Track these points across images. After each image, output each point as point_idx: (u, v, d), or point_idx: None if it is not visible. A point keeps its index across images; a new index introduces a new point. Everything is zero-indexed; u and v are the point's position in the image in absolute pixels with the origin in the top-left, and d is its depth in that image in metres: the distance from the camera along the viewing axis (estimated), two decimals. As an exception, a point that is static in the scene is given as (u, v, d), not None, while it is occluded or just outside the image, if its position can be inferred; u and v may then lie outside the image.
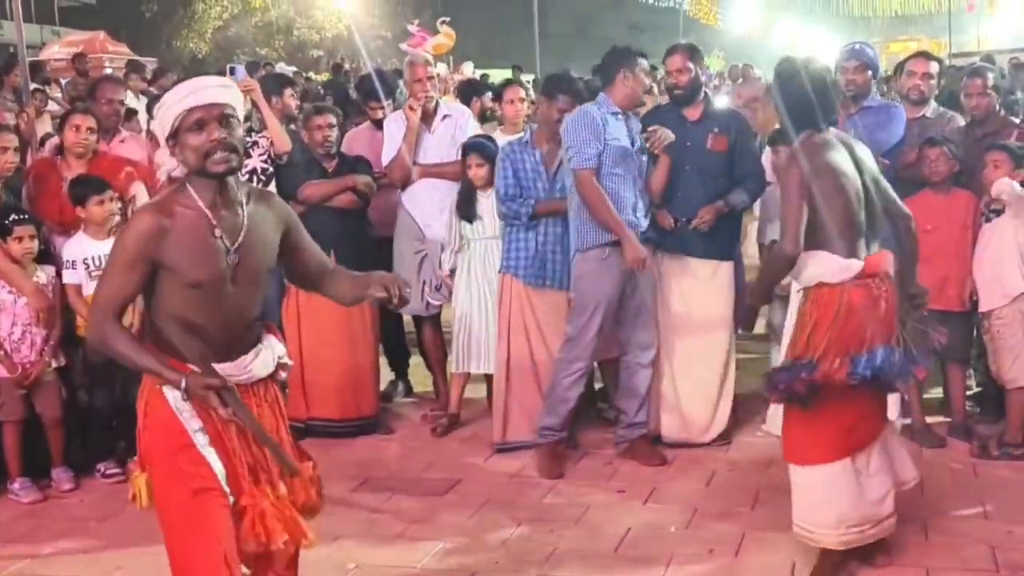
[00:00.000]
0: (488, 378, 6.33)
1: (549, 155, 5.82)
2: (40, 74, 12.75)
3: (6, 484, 5.49)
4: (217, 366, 3.17)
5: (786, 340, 4.43)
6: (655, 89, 6.66)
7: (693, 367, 5.80)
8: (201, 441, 3.16)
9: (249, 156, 6.38)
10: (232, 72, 6.81)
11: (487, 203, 6.09)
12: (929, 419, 5.87)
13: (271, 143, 6.36)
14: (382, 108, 6.86)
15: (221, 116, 3.11)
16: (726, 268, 5.84)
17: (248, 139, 6.51)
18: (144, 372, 3.19)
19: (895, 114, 5.83)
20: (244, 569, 3.28)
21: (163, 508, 3.18)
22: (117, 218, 5.61)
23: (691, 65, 5.78)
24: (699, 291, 5.77)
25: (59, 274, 5.64)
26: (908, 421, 5.77)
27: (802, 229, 4.12)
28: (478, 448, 5.99)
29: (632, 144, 5.53)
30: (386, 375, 6.85)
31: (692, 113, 5.80)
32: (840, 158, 4.26)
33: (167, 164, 6.05)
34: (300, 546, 3.34)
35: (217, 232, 3.14)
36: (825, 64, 4.68)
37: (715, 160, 5.72)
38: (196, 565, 3.11)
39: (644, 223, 5.54)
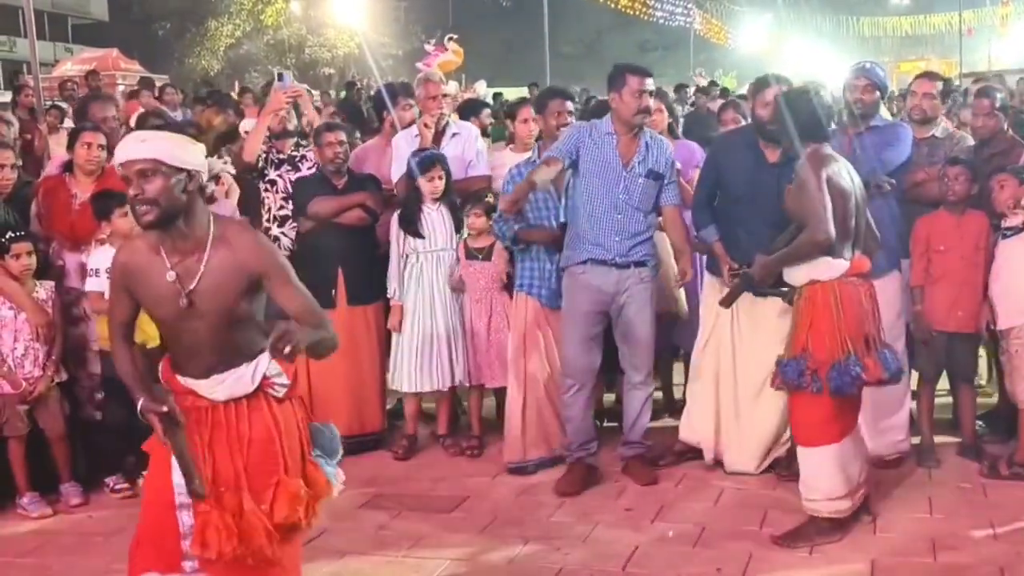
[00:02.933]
0: (497, 395, 6.34)
1: (558, 177, 5.73)
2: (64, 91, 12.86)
3: (14, 499, 5.50)
4: (190, 381, 3.43)
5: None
6: (663, 107, 6.56)
7: (760, 399, 5.57)
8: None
9: (298, 169, 6.46)
10: (280, 78, 6.91)
11: (437, 215, 6.11)
12: (938, 439, 5.85)
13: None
14: (410, 106, 6.87)
15: (138, 172, 3.25)
16: (886, 283, 5.51)
17: (296, 153, 6.56)
18: (126, 384, 3.51)
19: (902, 134, 5.78)
20: (192, 564, 3.41)
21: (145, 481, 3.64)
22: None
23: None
24: (770, 326, 5.43)
25: (61, 289, 5.67)
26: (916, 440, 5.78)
27: (831, 216, 4.57)
28: (486, 465, 5.99)
29: (627, 167, 5.44)
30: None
31: (772, 154, 5.43)
32: (842, 169, 4.78)
33: None
34: (269, 558, 3.41)
35: (170, 276, 3.34)
36: (827, 90, 5.12)
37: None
38: (139, 532, 3.53)
39: (616, 246, 5.43)
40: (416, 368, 6.12)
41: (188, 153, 3.35)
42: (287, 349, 3.12)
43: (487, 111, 9.33)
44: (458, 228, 6.20)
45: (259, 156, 6.49)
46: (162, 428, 3.35)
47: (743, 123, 6.66)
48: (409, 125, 6.69)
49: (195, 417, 3.44)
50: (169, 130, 4.80)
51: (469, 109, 8.55)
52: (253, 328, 3.46)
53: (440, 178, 6.08)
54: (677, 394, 6.74)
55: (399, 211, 6.16)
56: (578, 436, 5.64)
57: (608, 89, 5.54)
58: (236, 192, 6.80)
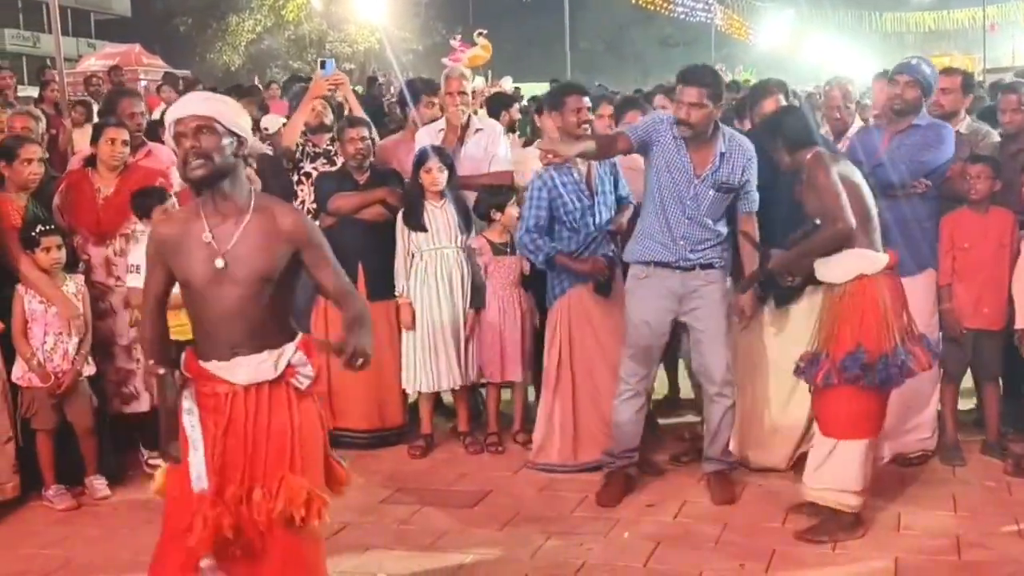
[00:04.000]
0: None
1: (588, 172, 5.66)
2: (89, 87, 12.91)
3: (40, 491, 5.54)
4: (213, 364, 3.45)
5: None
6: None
7: (792, 397, 5.54)
8: (194, 437, 3.44)
9: (333, 163, 6.50)
10: (323, 66, 6.96)
11: (439, 212, 6.07)
12: (962, 437, 5.82)
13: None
14: (433, 104, 6.85)
15: (196, 128, 3.36)
16: (919, 283, 5.52)
17: (331, 148, 6.60)
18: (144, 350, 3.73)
19: (945, 135, 5.62)
20: (208, 561, 3.39)
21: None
22: None
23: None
24: (798, 327, 5.41)
25: (89, 282, 5.71)
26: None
27: (849, 208, 4.67)
28: (507, 460, 6.00)
29: (698, 175, 5.16)
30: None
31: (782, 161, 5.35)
32: (847, 167, 4.90)
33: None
34: (258, 551, 3.45)
35: (206, 237, 3.40)
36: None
37: (803, 210, 5.36)
38: (161, 536, 3.56)
39: (682, 250, 5.19)
40: (427, 367, 6.11)
41: (241, 119, 3.50)
42: (360, 363, 3.36)
43: (516, 106, 9.35)
44: (467, 227, 6.16)
45: (297, 146, 6.53)
46: (158, 389, 3.60)
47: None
48: (432, 121, 6.70)
49: (214, 404, 3.46)
50: None
51: (498, 104, 8.56)
52: (284, 315, 3.52)
53: (440, 170, 6.04)
54: (684, 391, 6.72)
55: (403, 207, 6.14)
56: (622, 443, 5.45)
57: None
58: (257, 183, 6.83)
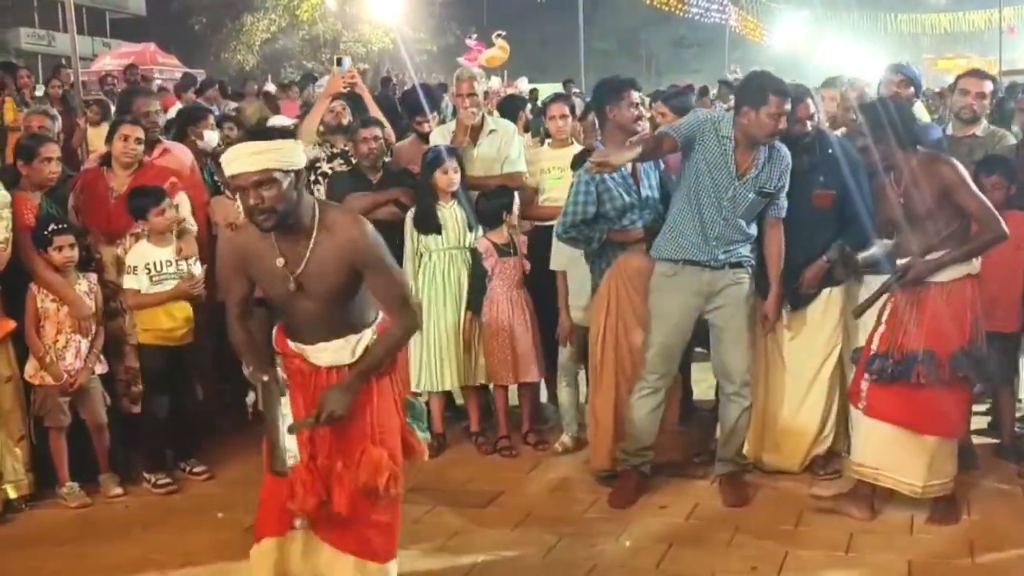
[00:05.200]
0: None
1: (634, 168, 5.52)
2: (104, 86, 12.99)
3: (54, 488, 5.55)
4: (299, 346, 3.80)
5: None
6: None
7: (807, 399, 5.56)
8: (286, 415, 3.73)
9: (350, 163, 6.51)
10: (339, 63, 7.01)
11: (449, 213, 6.07)
12: (975, 440, 5.80)
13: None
14: (428, 121, 6.89)
15: (255, 183, 3.52)
16: (836, 294, 5.52)
17: (348, 148, 6.59)
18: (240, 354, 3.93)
19: (931, 133, 5.79)
20: (301, 522, 3.80)
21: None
22: (176, 224, 5.75)
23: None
24: (812, 330, 5.50)
25: (101, 281, 5.72)
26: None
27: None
28: (520, 461, 5.99)
29: (740, 178, 5.14)
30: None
31: (796, 163, 5.34)
32: None
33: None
34: (350, 514, 3.76)
35: (279, 262, 3.66)
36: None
37: (819, 216, 5.38)
38: (260, 503, 3.90)
39: (713, 249, 5.17)
40: (431, 367, 6.10)
41: (295, 155, 3.65)
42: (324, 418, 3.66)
43: (529, 107, 9.34)
44: (471, 227, 6.14)
45: (315, 146, 6.55)
46: (262, 397, 3.72)
47: None
48: (425, 138, 6.69)
49: (300, 380, 3.81)
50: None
51: (510, 106, 8.54)
52: (360, 304, 3.81)
53: (455, 171, 6.04)
54: (696, 393, 6.71)
55: (414, 208, 6.12)
56: (637, 441, 5.41)
57: (741, 102, 5.15)
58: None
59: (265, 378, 3.69)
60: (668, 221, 5.34)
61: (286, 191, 3.55)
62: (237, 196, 3.76)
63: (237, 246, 3.84)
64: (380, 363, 3.81)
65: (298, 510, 3.74)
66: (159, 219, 5.62)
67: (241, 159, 3.56)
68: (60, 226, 5.54)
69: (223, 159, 3.67)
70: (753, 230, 5.30)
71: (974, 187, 4.85)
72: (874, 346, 4.97)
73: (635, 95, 5.65)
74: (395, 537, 3.96)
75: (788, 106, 5.09)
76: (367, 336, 3.80)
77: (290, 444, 3.70)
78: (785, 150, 5.27)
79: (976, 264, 4.92)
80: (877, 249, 5.09)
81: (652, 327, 5.35)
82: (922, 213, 4.83)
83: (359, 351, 3.78)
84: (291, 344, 3.84)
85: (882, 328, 4.97)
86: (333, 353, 3.78)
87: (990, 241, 4.86)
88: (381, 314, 3.87)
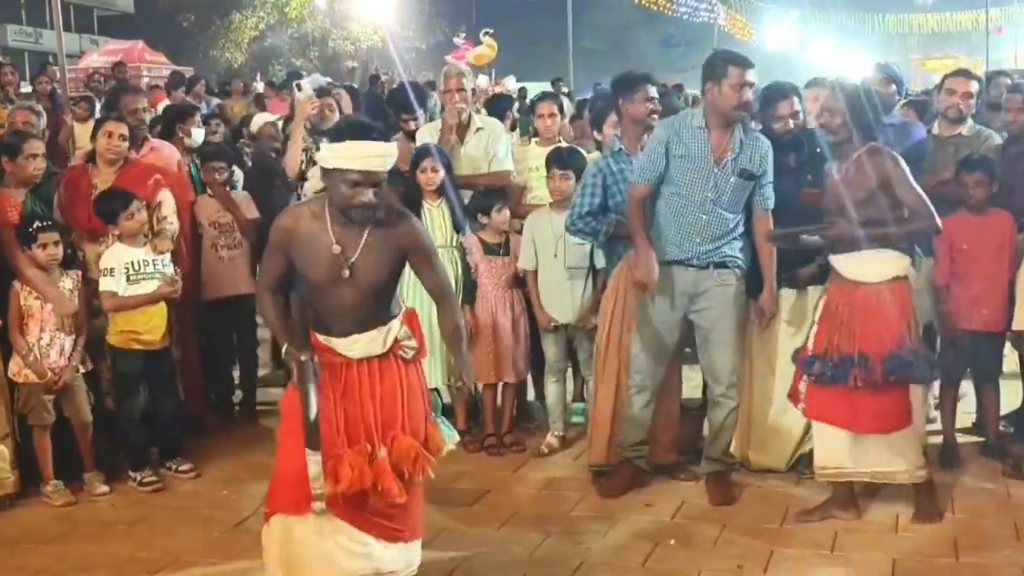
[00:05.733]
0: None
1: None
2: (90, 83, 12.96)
3: (39, 486, 5.53)
4: (331, 340, 3.88)
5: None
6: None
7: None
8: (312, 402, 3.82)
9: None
10: (299, 88, 6.98)
11: (436, 211, 6.06)
12: (961, 439, 5.83)
13: None
14: (415, 120, 6.87)
15: (374, 183, 3.74)
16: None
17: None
18: (272, 331, 4.09)
19: (914, 132, 5.82)
20: (320, 505, 3.80)
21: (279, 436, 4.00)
22: (146, 225, 5.73)
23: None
24: (803, 329, 5.41)
25: (86, 279, 5.70)
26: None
27: None
28: (507, 459, 5.99)
29: (719, 163, 5.16)
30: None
31: (783, 160, 5.37)
32: None
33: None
34: (393, 501, 3.84)
35: (336, 248, 3.79)
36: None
37: (809, 214, 5.25)
38: (274, 478, 3.97)
39: (696, 247, 5.19)
40: (424, 365, 6.06)
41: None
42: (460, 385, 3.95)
43: (516, 105, 9.35)
44: (458, 227, 6.11)
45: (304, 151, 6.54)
46: (299, 374, 3.80)
47: None
48: (412, 136, 6.68)
49: (330, 373, 3.89)
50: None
51: (498, 105, 8.54)
52: (391, 297, 3.97)
53: (434, 170, 6.02)
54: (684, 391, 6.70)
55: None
56: (631, 436, 5.44)
57: (704, 79, 5.17)
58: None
59: (303, 357, 3.80)
60: (653, 226, 5.31)
61: (385, 190, 3.82)
62: (337, 182, 3.76)
63: (287, 227, 3.88)
64: (460, 325, 4.11)
65: (345, 488, 3.77)
66: (129, 223, 5.61)
67: (373, 159, 3.73)
68: (45, 223, 5.51)
69: (345, 146, 3.72)
70: (739, 227, 5.26)
71: (914, 182, 4.85)
72: (810, 346, 4.97)
73: (651, 89, 5.67)
74: (421, 516, 4.10)
75: (750, 77, 5.10)
76: (395, 327, 3.94)
77: (314, 465, 3.80)
78: (763, 137, 5.31)
79: (909, 266, 4.94)
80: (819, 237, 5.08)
81: (637, 327, 5.37)
82: (858, 202, 4.83)
83: (390, 341, 3.92)
84: (320, 338, 3.93)
85: (815, 328, 4.98)
86: (366, 344, 3.90)
87: (923, 228, 4.91)
88: (404, 307, 4.05)
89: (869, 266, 4.85)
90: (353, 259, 3.80)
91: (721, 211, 5.18)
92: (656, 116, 5.64)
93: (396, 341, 3.95)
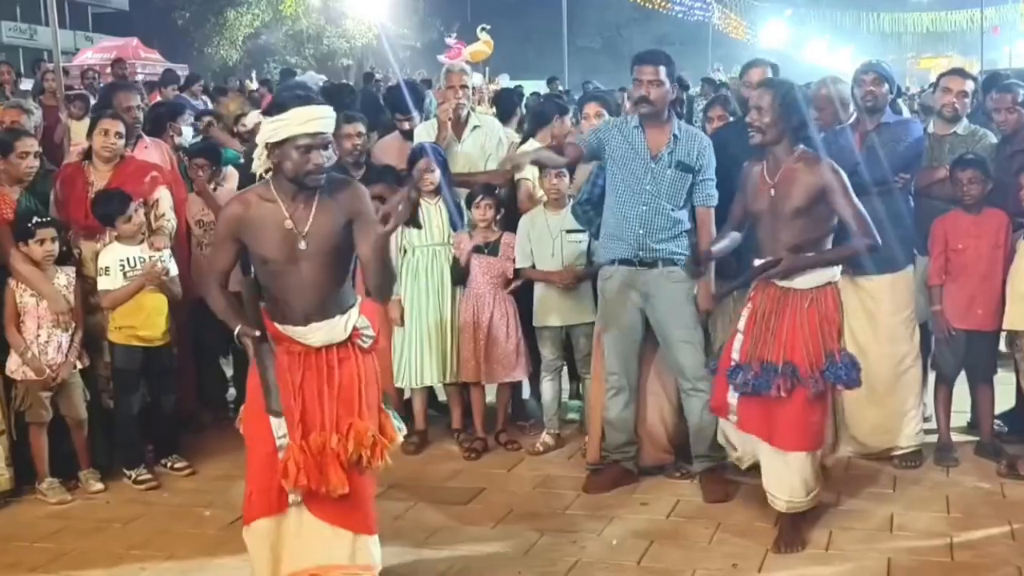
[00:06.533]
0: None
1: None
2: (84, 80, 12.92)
3: (34, 484, 5.53)
4: (287, 328, 3.90)
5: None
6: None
7: (878, 385, 5.56)
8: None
9: None
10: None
11: (433, 209, 6.07)
12: (956, 438, 5.84)
13: None
14: (410, 120, 6.85)
15: (322, 143, 3.78)
16: (905, 278, 5.64)
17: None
18: (223, 320, 4.01)
19: (913, 129, 5.75)
20: (295, 498, 3.89)
21: (244, 428, 4.04)
22: (143, 226, 5.72)
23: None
24: (882, 311, 5.55)
25: (80, 275, 5.69)
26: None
27: None
28: (502, 458, 5.99)
29: (655, 157, 5.26)
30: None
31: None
32: None
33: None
34: (340, 491, 3.87)
35: (288, 224, 3.81)
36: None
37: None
38: (249, 483, 3.98)
39: (641, 239, 5.27)
40: (411, 363, 6.07)
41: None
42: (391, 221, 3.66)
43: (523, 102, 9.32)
44: (454, 225, 6.11)
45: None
46: (254, 349, 3.87)
47: (730, 119, 6.56)
48: (408, 135, 6.67)
49: (288, 363, 3.91)
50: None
51: (507, 101, 8.44)
52: (347, 284, 3.99)
53: (431, 169, 6.02)
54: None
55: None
56: (614, 439, 5.47)
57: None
58: (234, 177, 6.82)
59: (257, 333, 3.87)
60: (602, 229, 5.46)
61: (329, 156, 3.86)
62: (286, 153, 3.78)
63: (234, 215, 3.89)
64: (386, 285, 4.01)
65: (292, 486, 3.84)
66: (126, 226, 5.61)
67: (321, 121, 3.79)
68: (43, 219, 5.51)
69: (290, 115, 3.74)
70: (684, 223, 5.32)
71: (852, 193, 4.65)
72: (735, 356, 4.77)
73: (592, 107, 5.90)
74: (373, 508, 4.12)
75: (650, 68, 5.21)
76: (354, 315, 3.96)
77: (278, 425, 3.87)
78: (700, 136, 5.44)
79: (837, 273, 4.78)
80: (727, 242, 4.97)
81: (603, 329, 5.45)
82: (793, 211, 4.64)
83: (350, 328, 3.94)
84: (277, 327, 3.93)
85: (740, 337, 4.79)
86: (327, 332, 3.91)
87: (864, 248, 4.69)
88: (360, 298, 4.05)
89: (799, 274, 4.68)
90: (306, 230, 3.82)
91: (662, 203, 5.26)
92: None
93: (355, 329, 3.97)
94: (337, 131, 6.23)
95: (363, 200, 3.94)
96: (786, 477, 4.72)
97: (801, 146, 4.73)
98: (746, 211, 4.90)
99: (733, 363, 4.77)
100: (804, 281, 4.68)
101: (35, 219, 5.48)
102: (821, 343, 4.63)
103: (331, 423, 3.89)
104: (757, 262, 4.78)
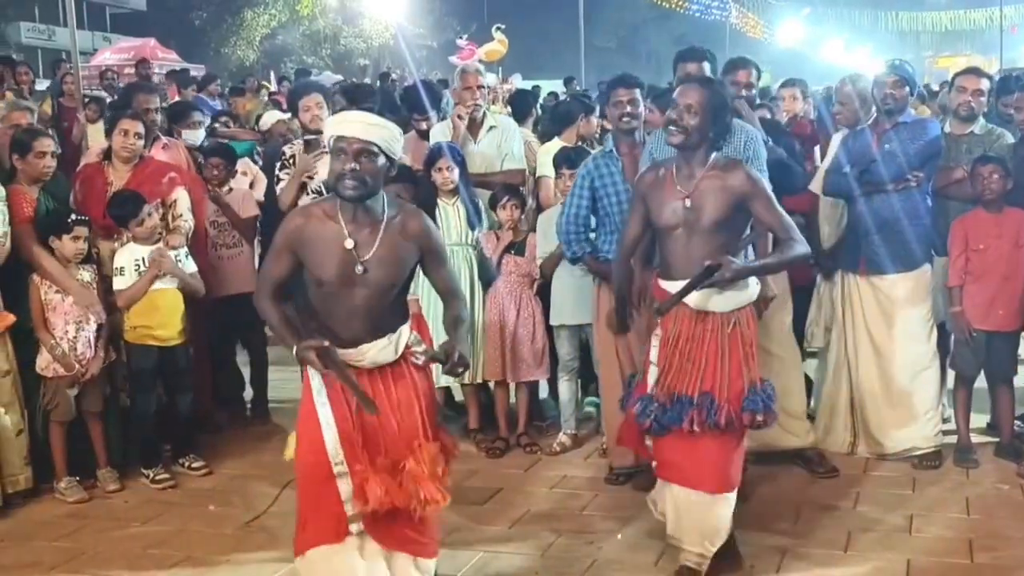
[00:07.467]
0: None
1: (629, 167, 5.38)
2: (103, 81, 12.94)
3: (52, 483, 5.55)
4: (339, 351, 3.66)
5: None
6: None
7: (895, 385, 5.62)
8: (324, 416, 3.72)
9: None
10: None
11: (452, 210, 6.05)
12: (975, 439, 5.81)
13: None
14: (427, 120, 6.83)
15: (358, 150, 3.60)
16: (923, 276, 5.66)
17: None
18: (276, 335, 3.87)
19: (931, 128, 5.74)
20: (358, 526, 3.74)
21: (297, 455, 3.83)
22: (158, 226, 5.74)
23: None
24: (898, 309, 5.57)
25: (100, 274, 5.70)
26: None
27: None
28: (519, 458, 5.99)
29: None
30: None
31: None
32: None
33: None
34: (420, 512, 3.76)
35: (348, 244, 3.68)
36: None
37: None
38: (303, 512, 3.82)
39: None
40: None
41: (397, 145, 3.76)
42: (460, 371, 3.71)
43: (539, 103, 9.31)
44: (472, 225, 6.09)
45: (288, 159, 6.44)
46: (322, 362, 3.61)
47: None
48: (424, 135, 6.66)
49: (341, 385, 3.71)
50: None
51: (523, 102, 8.43)
52: (402, 301, 3.86)
53: (448, 169, 6.01)
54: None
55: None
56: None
57: (602, 105, 5.39)
58: (263, 182, 6.80)
59: (326, 343, 3.61)
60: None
61: (379, 169, 3.65)
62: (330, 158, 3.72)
63: (296, 226, 3.75)
64: (464, 317, 3.93)
65: (372, 508, 3.68)
66: (140, 228, 5.63)
67: (355, 124, 3.66)
68: (81, 216, 5.54)
69: (331, 120, 3.73)
70: None
71: (775, 201, 4.27)
72: (650, 388, 4.33)
73: (622, 92, 5.52)
74: (438, 531, 4.07)
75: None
76: (405, 333, 3.85)
77: (333, 447, 3.71)
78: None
79: (756, 292, 4.36)
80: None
81: (601, 338, 5.49)
82: (712, 223, 4.21)
83: (401, 348, 3.82)
84: None
85: (654, 370, 4.33)
86: (377, 352, 3.78)
87: (802, 257, 4.31)
88: (411, 314, 3.94)
89: (718, 294, 4.20)
90: (368, 256, 3.68)
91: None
92: (629, 120, 5.50)
93: (407, 347, 3.84)
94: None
95: (433, 236, 3.86)
96: (709, 523, 4.30)
97: (718, 153, 4.36)
98: (645, 227, 4.48)
99: (645, 394, 4.34)
100: (723, 303, 4.21)
101: (73, 216, 5.51)
102: (745, 372, 4.23)
103: (402, 443, 3.76)
104: (671, 286, 4.26)
